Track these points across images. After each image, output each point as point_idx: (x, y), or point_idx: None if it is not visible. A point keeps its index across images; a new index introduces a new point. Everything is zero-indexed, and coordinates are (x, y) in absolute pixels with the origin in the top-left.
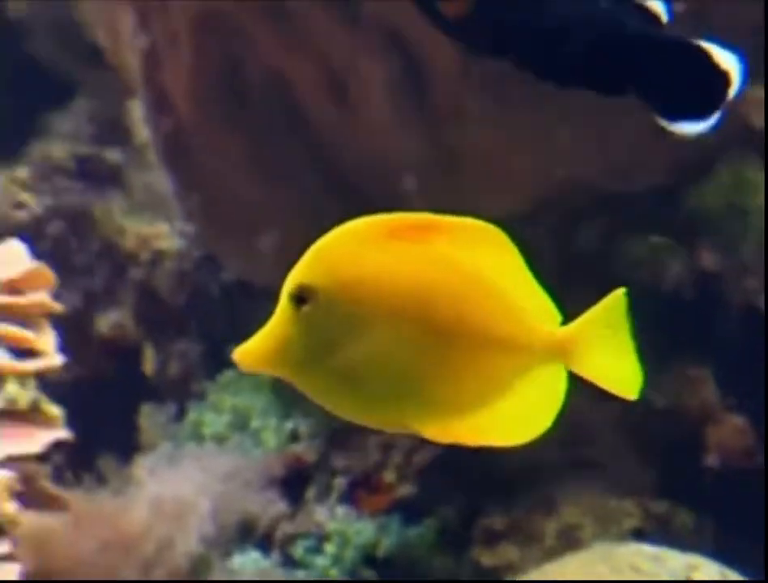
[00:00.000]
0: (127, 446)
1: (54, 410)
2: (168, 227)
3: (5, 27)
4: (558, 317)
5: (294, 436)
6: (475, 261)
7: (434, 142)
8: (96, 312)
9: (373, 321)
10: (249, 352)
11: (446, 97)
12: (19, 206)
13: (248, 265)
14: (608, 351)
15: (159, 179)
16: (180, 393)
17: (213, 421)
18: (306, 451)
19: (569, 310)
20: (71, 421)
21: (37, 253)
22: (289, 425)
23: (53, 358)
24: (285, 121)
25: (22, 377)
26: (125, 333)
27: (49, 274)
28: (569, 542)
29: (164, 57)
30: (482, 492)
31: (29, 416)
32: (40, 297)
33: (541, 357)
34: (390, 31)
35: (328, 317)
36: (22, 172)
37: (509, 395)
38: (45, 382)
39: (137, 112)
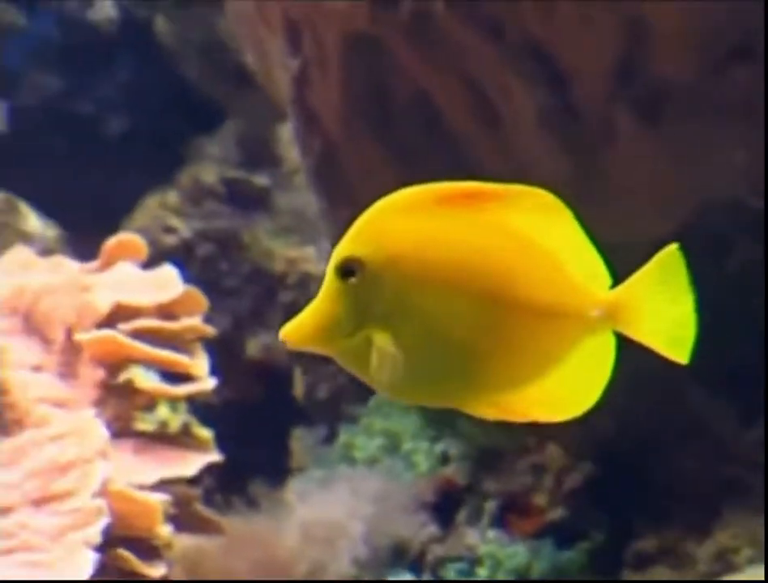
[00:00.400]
0: (278, 469)
1: (205, 433)
2: (315, 249)
3: (156, 51)
4: (608, 281)
5: (445, 459)
6: (526, 227)
7: (583, 164)
8: (245, 334)
9: (422, 292)
10: (296, 329)
11: (596, 118)
12: (170, 230)
13: None
14: (662, 309)
15: (306, 202)
16: (330, 416)
17: (364, 444)
18: (457, 474)
19: None
20: (221, 444)
21: (188, 277)
22: (440, 448)
23: (206, 382)
24: (432, 142)
25: (173, 400)
26: (274, 355)
27: (200, 298)
28: (724, 566)
29: (313, 78)
30: (633, 515)
31: (180, 439)
32: (193, 321)
33: (592, 322)
34: (537, 50)
35: (376, 289)
36: (172, 196)
37: (560, 366)
38: (195, 405)
39: (285, 134)
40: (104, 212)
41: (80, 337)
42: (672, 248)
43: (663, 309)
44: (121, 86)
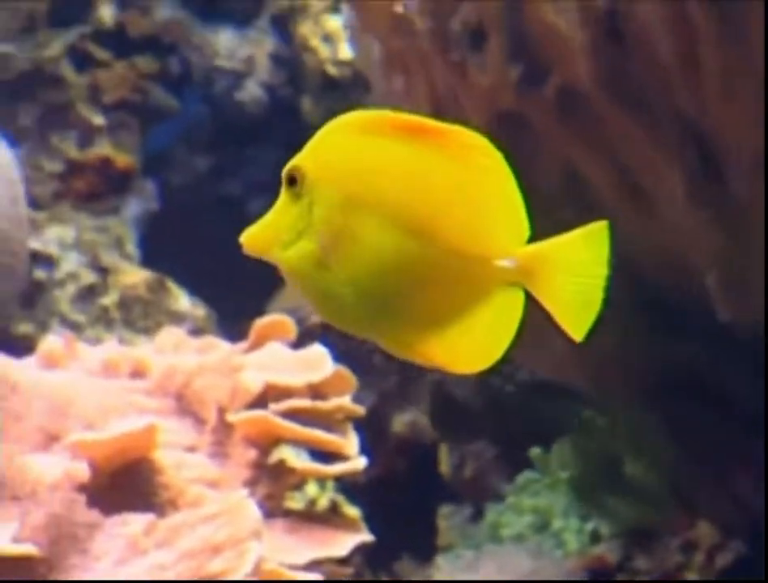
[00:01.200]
0: (425, 547)
1: (353, 511)
2: None
3: (303, 131)
4: (527, 235)
5: (595, 537)
6: (459, 168)
7: (734, 235)
8: (390, 410)
9: (353, 210)
10: (250, 236)
11: (744, 188)
12: None
13: (544, 363)
14: (573, 280)
15: None
16: (476, 494)
17: (512, 522)
18: (608, 552)
19: None
20: (368, 521)
21: (335, 354)
22: (590, 526)
23: (357, 461)
24: (580, 218)
25: (321, 479)
26: (420, 432)
27: (349, 378)
28: None
29: None
30: None
31: (330, 518)
32: (343, 401)
33: (502, 273)
34: (685, 125)
35: (315, 200)
36: None
37: (467, 315)
38: (342, 482)
39: None
40: (252, 292)
41: (232, 417)
42: (602, 223)
43: (574, 281)
44: (268, 166)
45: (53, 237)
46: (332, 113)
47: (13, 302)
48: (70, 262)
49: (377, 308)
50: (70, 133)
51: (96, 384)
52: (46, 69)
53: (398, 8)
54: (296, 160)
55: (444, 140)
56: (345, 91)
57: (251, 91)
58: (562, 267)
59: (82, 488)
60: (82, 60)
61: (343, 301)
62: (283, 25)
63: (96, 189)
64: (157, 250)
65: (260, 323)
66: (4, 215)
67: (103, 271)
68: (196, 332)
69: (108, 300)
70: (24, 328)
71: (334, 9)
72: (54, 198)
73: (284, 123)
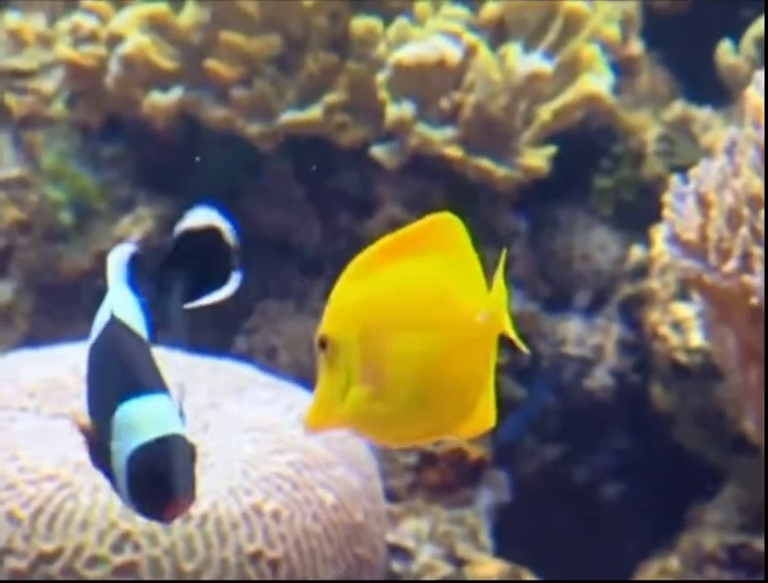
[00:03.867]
0: None
1: None
2: None
3: (651, 419)
4: (486, 297)
5: None
6: (425, 262)
7: None
8: None
9: (378, 340)
10: (312, 417)
11: None
12: None
13: None
14: None
15: None
16: None
17: None
18: None
19: None
20: None
21: None
22: None
23: None
24: None
25: None
26: None
27: None
28: None
29: None
30: None
31: None
32: None
33: (480, 329)
34: None
35: (346, 352)
36: (673, 561)
37: (485, 378)
38: None
39: None
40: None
41: None
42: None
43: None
44: (617, 453)
45: (409, 530)
46: (684, 401)
47: None
48: (426, 554)
49: (429, 406)
50: None
51: None
52: None
53: (754, 300)
54: (322, 329)
55: (415, 243)
56: (696, 380)
57: (600, 379)
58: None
59: None
60: None
61: (407, 416)
62: (629, 312)
63: (450, 480)
64: (510, 540)
65: None
66: (363, 510)
67: (458, 562)
68: None
69: None
70: None
71: (682, 296)
72: (409, 491)
73: (633, 410)
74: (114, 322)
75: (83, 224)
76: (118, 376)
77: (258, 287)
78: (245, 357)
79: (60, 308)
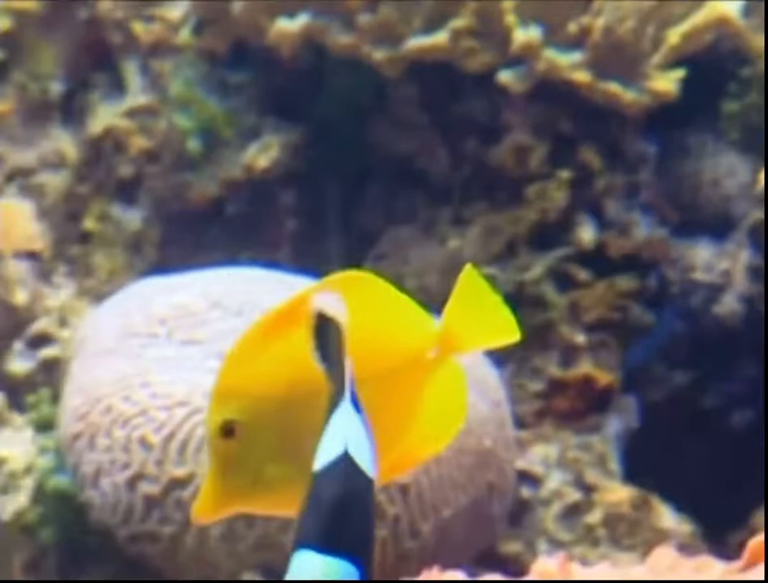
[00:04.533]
0: None
1: None
2: None
3: None
4: (432, 323)
5: None
6: (357, 314)
7: None
8: None
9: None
10: (200, 505)
11: None
12: None
13: None
14: (480, 315)
15: None
16: None
17: None
18: None
19: None
20: None
21: None
22: None
23: None
24: None
25: None
26: None
27: None
28: None
29: None
30: None
31: None
32: None
33: (434, 361)
34: None
35: (247, 440)
36: None
37: (425, 407)
38: None
39: None
40: (736, 506)
41: None
42: (467, 268)
43: (480, 315)
44: (746, 380)
45: (537, 456)
46: None
47: (502, 521)
48: (555, 481)
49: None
50: (551, 352)
51: None
52: (528, 290)
53: None
54: (222, 415)
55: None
56: None
57: (729, 305)
58: (467, 318)
59: None
60: (563, 281)
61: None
62: (758, 237)
63: (578, 407)
64: (638, 467)
65: (754, 542)
66: (492, 436)
67: (587, 489)
68: (682, 548)
69: (593, 517)
70: (513, 547)
71: None
72: (537, 417)
73: (762, 336)
74: (346, 460)
75: (210, 152)
76: (322, 523)
77: (384, 214)
78: None
79: (188, 236)
